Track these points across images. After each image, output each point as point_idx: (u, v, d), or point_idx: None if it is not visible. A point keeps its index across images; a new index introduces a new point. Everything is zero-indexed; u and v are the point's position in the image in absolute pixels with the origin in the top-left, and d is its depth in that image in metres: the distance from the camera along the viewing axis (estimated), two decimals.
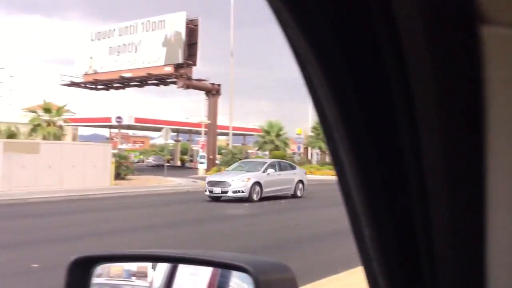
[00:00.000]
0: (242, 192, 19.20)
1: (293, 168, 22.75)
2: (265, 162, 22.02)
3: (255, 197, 19.43)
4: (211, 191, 19.72)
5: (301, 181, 21.89)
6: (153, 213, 16.41)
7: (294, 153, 64.48)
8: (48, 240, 10.70)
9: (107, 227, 12.75)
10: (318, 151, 54.65)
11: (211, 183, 20.00)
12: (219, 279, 1.40)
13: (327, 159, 50.51)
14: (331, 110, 0.53)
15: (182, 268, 1.47)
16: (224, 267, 1.39)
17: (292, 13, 0.48)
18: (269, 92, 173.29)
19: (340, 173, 0.58)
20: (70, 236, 11.13)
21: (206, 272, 1.43)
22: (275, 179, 20.57)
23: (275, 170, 20.96)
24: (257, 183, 19.64)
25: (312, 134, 49.79)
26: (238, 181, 19.31)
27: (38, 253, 9.16)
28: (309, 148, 54.24)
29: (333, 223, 11.62)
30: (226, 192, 19.34)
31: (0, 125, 31.67)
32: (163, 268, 1.49)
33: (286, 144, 48.02)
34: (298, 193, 21.55)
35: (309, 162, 51.55)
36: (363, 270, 0.63)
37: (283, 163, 22.98)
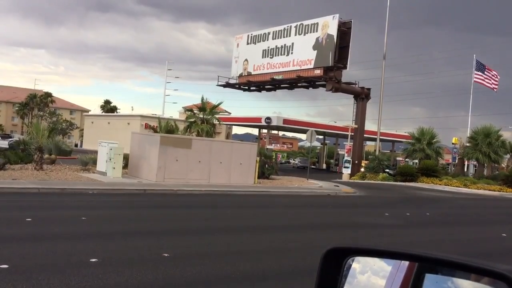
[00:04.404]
0: None
1: None
2: None
3: None
4: None
5: None
6: (298, 213, 16.53)
7: (448, 164, 60.34)
8: (186, 231, 11.15)
9: (237, 223, 13.10)
10: (475, 162, 50.30)
11: None
12: None
13: (485, 172, 46.13)
14: None
15: (429, 277, 1.42)
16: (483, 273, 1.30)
17: None
18: (424, 98, 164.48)
19: None
20: (203, 229, 11.59)
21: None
22: None
23: None
24: None
25: (468, 144, 45.84)
26: None
27: (173, 242, 9.52)
28: (465, 160, 50.03)
29: None
30: None
31: (162, 121, 34.59)
32: (403, 270, 1.47)
33: (438, 153, 44.96)
34: None
35: (464, 174, 47.63)
36: None
37: None
